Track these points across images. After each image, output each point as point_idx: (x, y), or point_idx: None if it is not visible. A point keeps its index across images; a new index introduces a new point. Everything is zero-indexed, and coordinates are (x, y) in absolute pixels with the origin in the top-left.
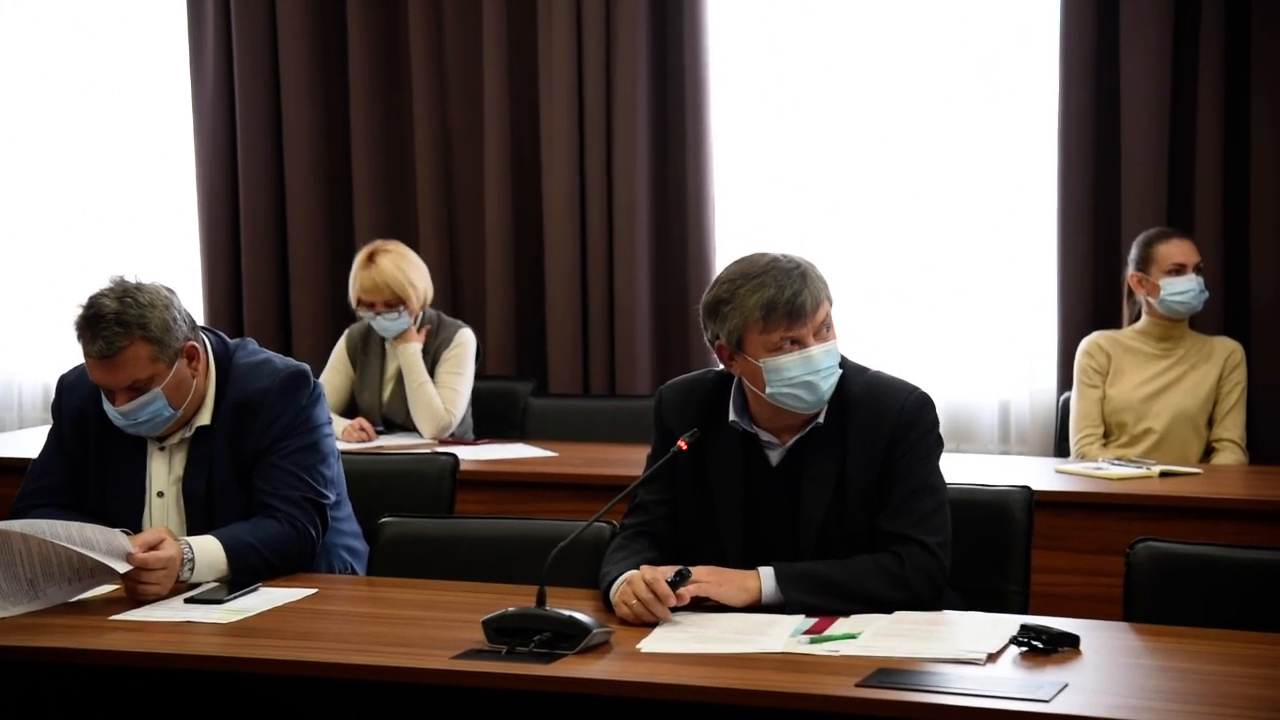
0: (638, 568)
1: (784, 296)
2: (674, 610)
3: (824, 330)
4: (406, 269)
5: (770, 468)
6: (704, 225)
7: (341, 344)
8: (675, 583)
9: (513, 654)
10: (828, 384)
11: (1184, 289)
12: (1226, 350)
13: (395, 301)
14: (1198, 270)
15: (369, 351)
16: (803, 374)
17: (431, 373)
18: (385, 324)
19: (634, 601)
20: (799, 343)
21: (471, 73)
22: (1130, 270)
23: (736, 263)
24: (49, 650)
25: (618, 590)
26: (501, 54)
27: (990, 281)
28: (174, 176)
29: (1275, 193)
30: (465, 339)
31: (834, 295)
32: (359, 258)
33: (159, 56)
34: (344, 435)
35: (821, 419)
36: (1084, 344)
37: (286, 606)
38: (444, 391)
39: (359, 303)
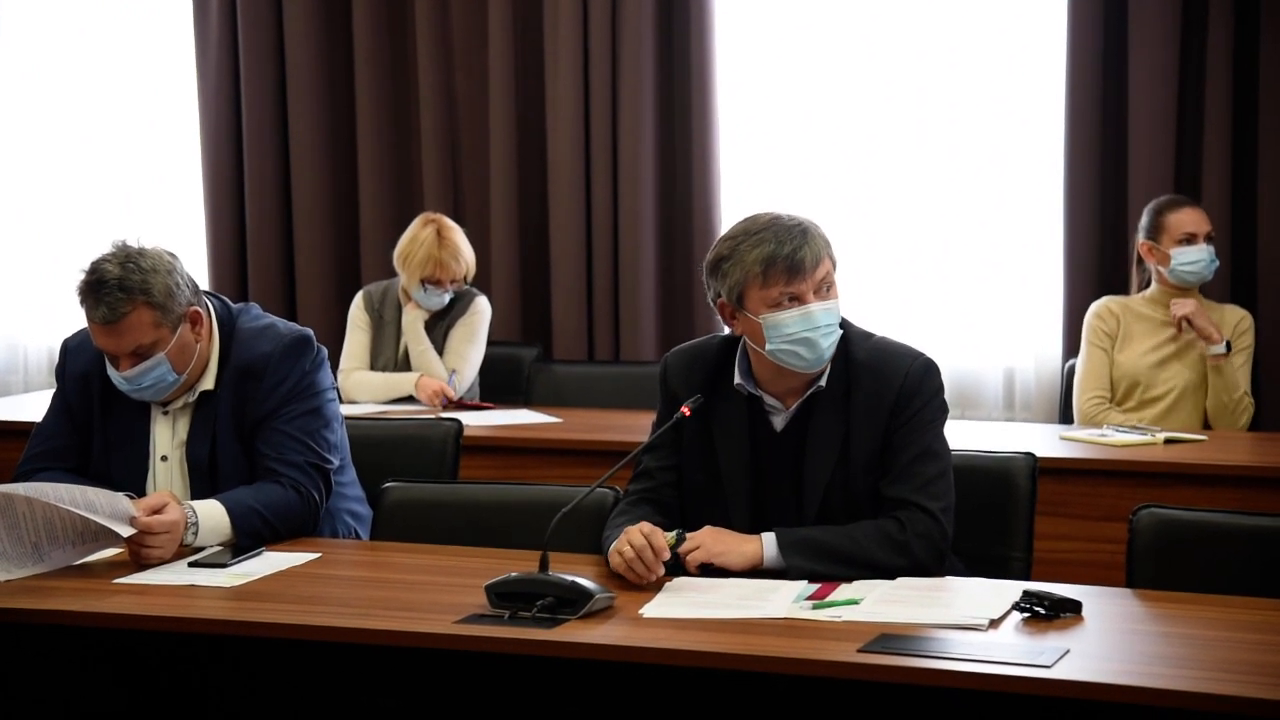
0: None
1: (783, 252)
2: (676, 575)
3: (824, 289)
4: (468, 246)
5: (774, 433)
6: (709, 191)
7: (360, 303)
8: (675, 544)
9: (515, 619)
10: (827, 342)
11: (1195, 259)
12: (1236, 318)
13: (461, 279)
14: (1209, 239)
15: (385, 315)
16: (801, 330)
17: (445, 337)
18: (439, 298)
19: (627, 549)
20: (798, 299)
21: (477, 40)
22: (1140, 238)
23: (740, 221)
24: (53, 613)
25: (614, 544)
26: (507, 20)
27: (995, 248)
28: (178, 143)
29: None
30: (481, 307)
31: (839, 260)
32: (425, 235)
33: (163, 24)
34: (422, 394)
35: (824, 382)
36: (1095, 306)
37: (290, 571)
38: (453, 358)
39: (427, 280)
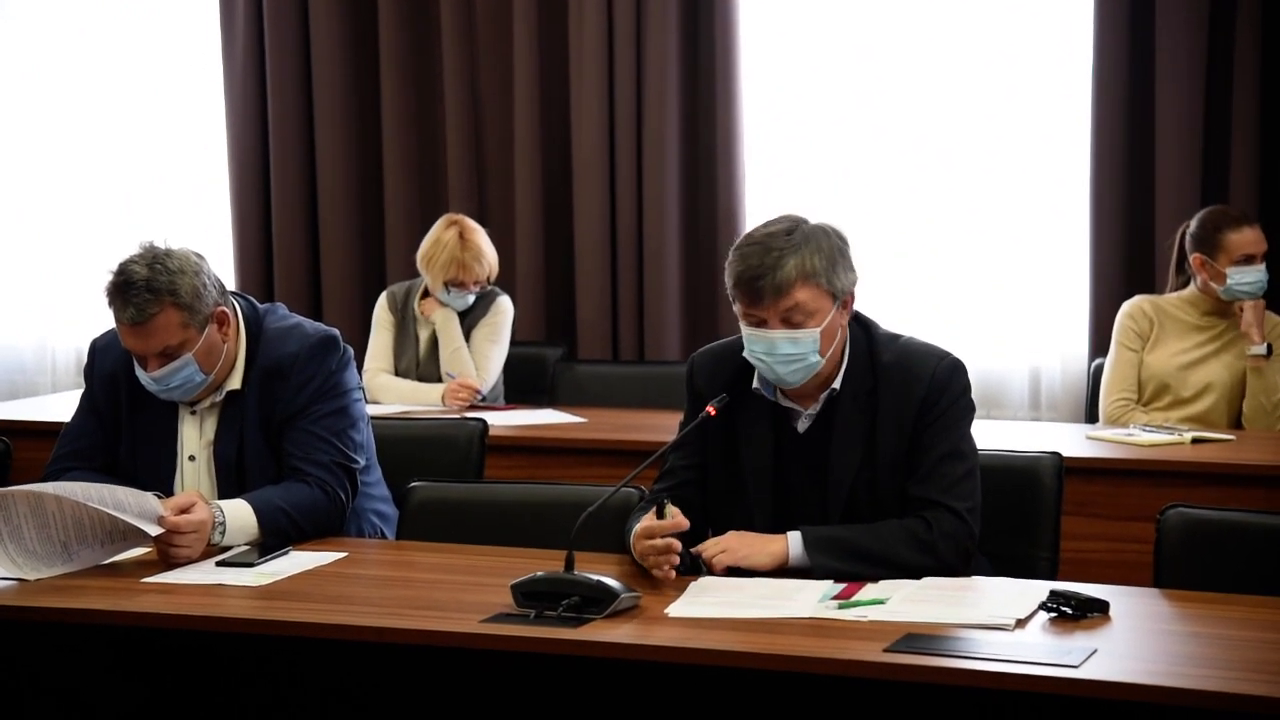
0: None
1: (745, 276)
2: (702, 575)
3: (792, 317)
4: (490, 247)
5: (798, 434)
6: (734, 190)
7: (384, 304)
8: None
9: (541, 618)
10: (787, 370)
11: (1254, 280)
12: (1270, 324)
13: (484, 279)
14: (1264, 257)
15: (406, 315)
16: (761, 352)
17: (469, 337)
18: (464, 299)
19: (650, 552)
20: (762, 323)
21: (502, 41)
22: (1191, 248)
23: (759, 224)
24: (81, 612)
25: (636, 537)
26: (532, 21)
27: (1022, 247)
28: (206, 144)
29: None
30: (504, 307)
31: (863, 264)
32: (447, 237)
33: (191, 24)
34: (449, 399)
35: (838, 385)
36: (1127, 306)
37: (316, 570)
38: (477, 358)
39: (450, 282)
